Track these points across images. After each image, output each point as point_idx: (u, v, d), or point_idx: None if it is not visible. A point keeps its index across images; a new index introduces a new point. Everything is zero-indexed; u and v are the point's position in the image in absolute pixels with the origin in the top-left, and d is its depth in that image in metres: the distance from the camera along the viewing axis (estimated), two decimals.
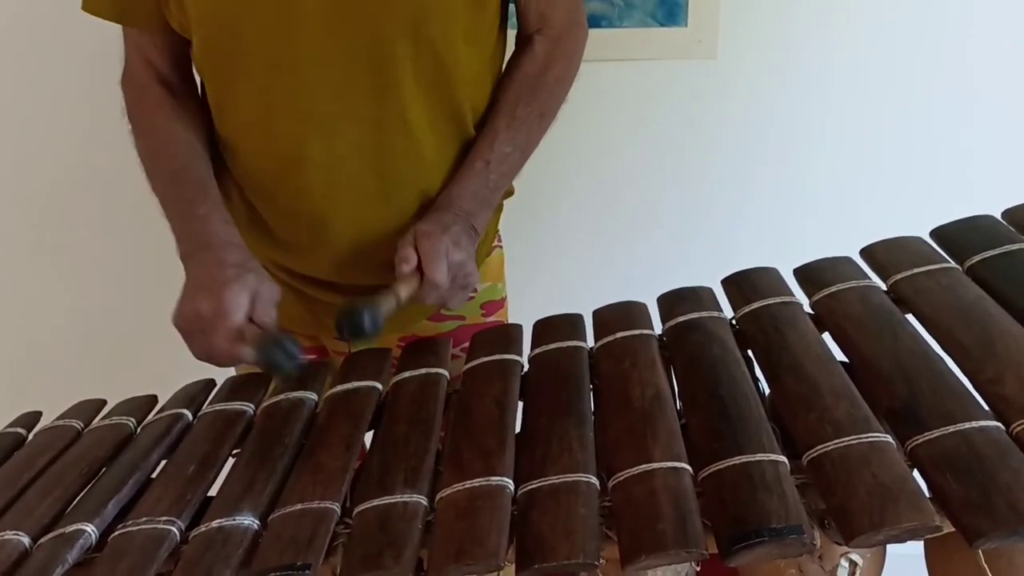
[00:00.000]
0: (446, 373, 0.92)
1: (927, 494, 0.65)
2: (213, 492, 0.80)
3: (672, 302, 0.96)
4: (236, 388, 0.96)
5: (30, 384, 1.50)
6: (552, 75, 1.06)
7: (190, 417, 0.92)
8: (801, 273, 0.97)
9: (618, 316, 0.95)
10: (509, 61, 1.09)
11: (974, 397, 0.73)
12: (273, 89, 0.97)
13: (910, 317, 0.86)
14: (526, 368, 0.92)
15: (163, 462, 0.86)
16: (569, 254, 1.67)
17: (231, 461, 0.85)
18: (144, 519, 0.75)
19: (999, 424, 0.70)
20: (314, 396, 0.91)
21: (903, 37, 1.52)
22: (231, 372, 1.00)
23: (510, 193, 1.18)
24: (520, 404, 0.86)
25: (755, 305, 0.92)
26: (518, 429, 0.82)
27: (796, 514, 0.65)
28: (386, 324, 0.89)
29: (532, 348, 0.95)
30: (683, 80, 1.55)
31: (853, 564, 0.76)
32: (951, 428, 0.69)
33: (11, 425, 0.99)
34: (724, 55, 1.52)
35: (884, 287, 0.92)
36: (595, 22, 1.48)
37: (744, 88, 1.56)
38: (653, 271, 1.60)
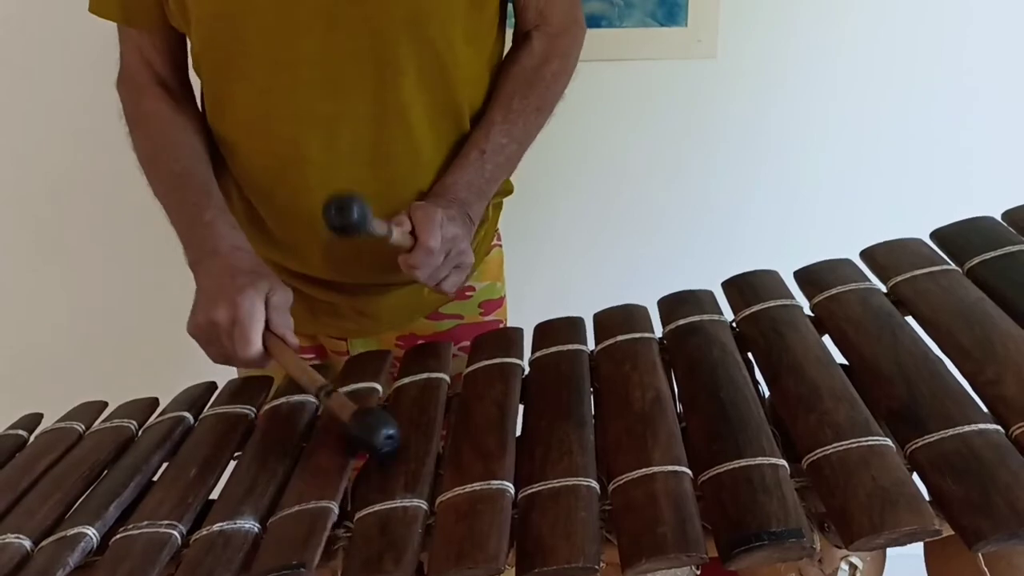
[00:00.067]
0: (447, 377, 0.92)
1: (927, 497, 0.65)
2: (215, 495, 0.80)
3: (672, 305, 0.96)
4: (238, 391, 0.96)
5: (31, 386, 1.49)
6: (549, 70, 1.06)
7: (191, 420, 0.92)
8: (801, 275, 0.97)
9: (618, 319, 0.95)
10: (506, 56, 1.09)
11: (974, 400, 0.73)
12: (273, 89, 0.98)
13: (910, 319, 0.86)
14: (527, 371, 0.92)
15: (164, 465, 0.86)
16: (569, 254, 1.66)
17: (232, 464, 0.85)
18: (145, 522, 0.75)
19: (999, 427, 0.70)
20: (314, 399, 0.91)
21: (903, 37, 1.52)
22: (232, 375, 1.00)
23: (510, 191, 1.18)
24: (521, 407, 0.86)
25: (755, 308, 0.92)
26: (519, 432, 0.82)
27: (796, 517, 0.65)
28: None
29: (532, 351, 0.95)
30: (683, 80, 1.55)
31: (853, 567, 0.76)
32: (951, 431, 0.69)
33: (12, 427, 0.99)
34: (724, 55, 1.52)
35: (884, 289, 0.92)
36: (595, 22, 1.48)
37: (744, 88, 1.55)
38: (653, 271, 1.61)
